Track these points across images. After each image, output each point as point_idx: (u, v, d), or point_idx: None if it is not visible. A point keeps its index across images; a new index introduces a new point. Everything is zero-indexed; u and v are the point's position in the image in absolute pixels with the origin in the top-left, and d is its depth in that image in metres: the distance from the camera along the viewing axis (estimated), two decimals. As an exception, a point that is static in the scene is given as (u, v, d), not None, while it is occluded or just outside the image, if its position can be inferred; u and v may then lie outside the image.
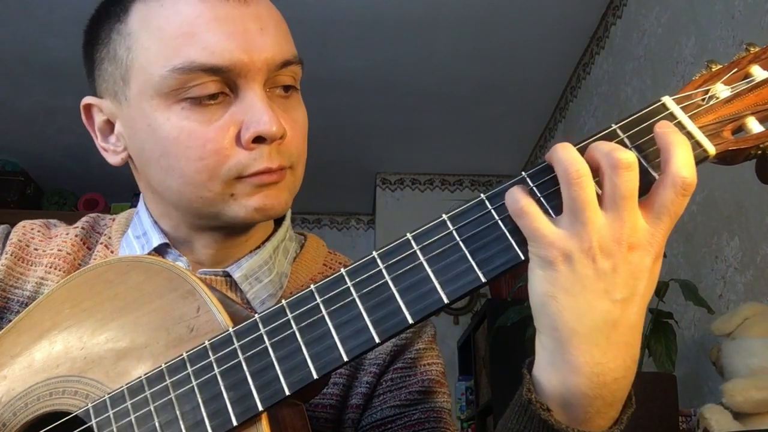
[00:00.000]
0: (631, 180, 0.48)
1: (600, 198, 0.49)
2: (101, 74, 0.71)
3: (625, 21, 2.70)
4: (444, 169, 4.23)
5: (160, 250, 0.73)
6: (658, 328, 1.64)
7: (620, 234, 0.48)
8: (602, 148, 0.50)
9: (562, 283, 0.49)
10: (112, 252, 0.76)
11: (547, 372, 0.52)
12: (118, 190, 4.00)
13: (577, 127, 3.24)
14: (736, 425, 1.45)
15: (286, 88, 0.70)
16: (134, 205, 0.79)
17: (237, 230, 0.72)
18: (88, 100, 0.72)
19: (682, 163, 0.48)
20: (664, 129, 0.50)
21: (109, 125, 0.72)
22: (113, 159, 0.72)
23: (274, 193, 0.67)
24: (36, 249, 0.76)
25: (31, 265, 0.75)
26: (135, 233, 0.75)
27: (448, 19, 2.88)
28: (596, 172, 0.50)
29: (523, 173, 0.53)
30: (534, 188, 0.52)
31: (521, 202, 0.50)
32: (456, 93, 3.39)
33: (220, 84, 0.65)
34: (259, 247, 0.75)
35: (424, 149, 3.97)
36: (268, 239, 0.76)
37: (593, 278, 0.49)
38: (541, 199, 0.51)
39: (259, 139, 0.65)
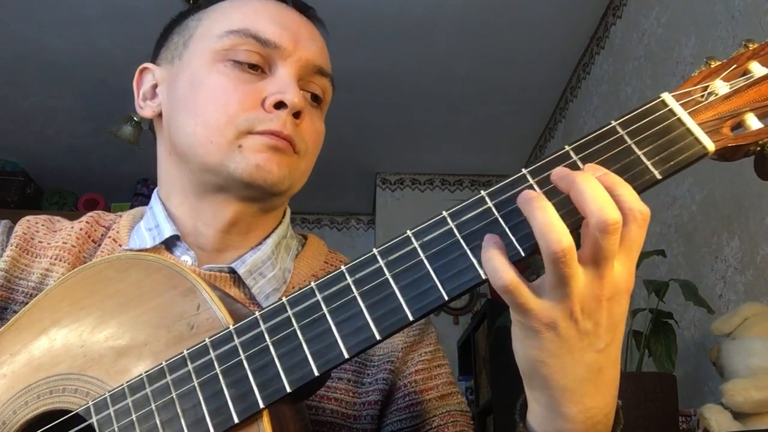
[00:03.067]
0: (615, 243, 0.47)
1: (580, 251, 0.48)
2: (167, 44, 0.81)
3: (625, 21, 2.70)
4: (444, 169, 4.23)
5: (170, 243, 0.75)
6: (658, 328, 1.64)
7: (600, 291, 0.48)
8: (593, 201, 0.46)
9: (549, 349, 0.50)
10: (120, 245, 0.77)
11: (543, 423, 0.54)
12: (118, 190, 4.01)
13: (577, 127, 3.24)
14: (736, 425, 1.45)
15: (315, 98, 0.78)
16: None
17: (235, 212, 0.74)
18: (146, 64, 0.82)
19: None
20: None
21: (152, 90, 0.81)
22: (146, 112, 0.80)
23: (277, 159, 0.71)
24: (41, 242, 0.77)
25: (36, 257, 0.75)
26: (147, 225, 0.77)
27: (448, 19, 2.88)
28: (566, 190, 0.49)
29: (523, 170, 0.52)
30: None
31: (505, 278, 0.48)
32: (456, 93, 3.39)
33: (262, 59, 0.74)
34: (261, 243, 0.77)
35: (424, 149, 3.97)
36: (269, 236, 0.78)
37: (577, 338, 0.50)
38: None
39: (279, 106, 0.72)
